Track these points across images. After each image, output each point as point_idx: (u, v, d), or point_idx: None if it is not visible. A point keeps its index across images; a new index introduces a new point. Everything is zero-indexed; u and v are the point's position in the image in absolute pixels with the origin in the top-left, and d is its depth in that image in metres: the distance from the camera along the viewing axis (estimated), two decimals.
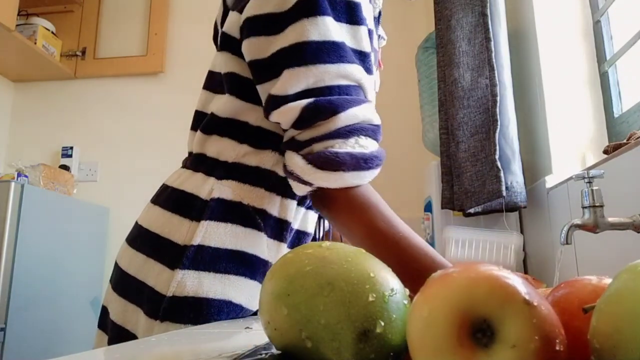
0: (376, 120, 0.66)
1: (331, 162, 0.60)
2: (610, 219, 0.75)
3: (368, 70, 0.68)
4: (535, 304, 0.23)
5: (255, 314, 0.71)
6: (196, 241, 0.66)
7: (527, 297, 0.23)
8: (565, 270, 1.06)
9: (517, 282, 0.24)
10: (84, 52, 2.56)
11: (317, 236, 0.84)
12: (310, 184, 0.63)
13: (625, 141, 0.96)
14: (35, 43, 2.32)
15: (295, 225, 0.77)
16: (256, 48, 0.66)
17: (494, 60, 1.39)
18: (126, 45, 2.55)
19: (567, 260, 1.07)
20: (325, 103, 0.62)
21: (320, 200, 0.67)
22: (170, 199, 0.72)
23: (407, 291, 0.32)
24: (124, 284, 0.70)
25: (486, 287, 0.24)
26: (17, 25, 2.12)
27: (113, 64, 2.53)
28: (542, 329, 0.23)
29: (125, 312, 0.68)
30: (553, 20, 1.41)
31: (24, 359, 1.70)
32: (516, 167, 1.36)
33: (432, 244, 1.60)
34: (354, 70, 0.64)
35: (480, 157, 1.36)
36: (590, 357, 0.24)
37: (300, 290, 0.30)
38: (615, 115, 1.28)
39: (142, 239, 0.71)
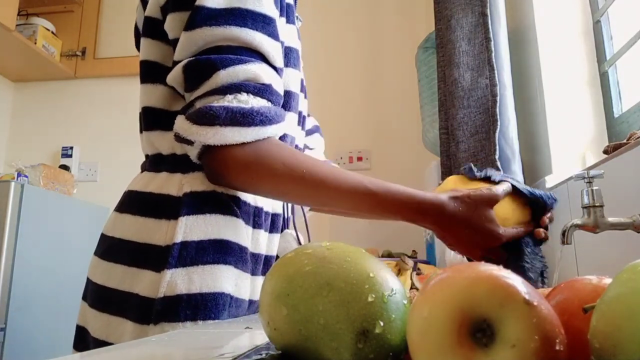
0: (267, 79, 0.65)
1: (206, 115, 0.60)
2: (610, 219, 0.75)
3: (273, 35, 0.68)
4: (535, 303, 0.23)
5: (252, 308, 0.71)
6: (178, 239, 0.64)
7: (527, 297, 0.23)
8: (565, 270, 1.06)
9: (517, 282, 0.24)
10: (84, 52, 2.56)
11: (286, 215, 0.81)
12: (191, 142, 0.62)
13: (625, 141, 0.96)
14: (35, 43, 2.32)
15: (270, 209, 0.76)
16: (178, 25, 0.67)
17: (494, 60, 1.39)
18: (126, 45, 2.55)
19: (567, 260, 1.07)
20: (204, 60, 0.62)
21: (211, 167, 0.65)
22: (139, 204, 0.69)
23: (407, 292, 0.32)
24: (104, 299, 0.67)
25: (486, 287, 0.24)
26: (17, 25, 2.12)
27: (113, 64, 2.53)
28: (542, 329, 0.22)
29: (108, 326, 0.65)
30: (553, 20, 1.41)
31: (24, 359, 1.70)
32: (516, 167, 1.36)
33: (432, 244, 1.59)
34: (244, 33, 0.64)
35: (480, 157, 1.36)
36: (590, 357, 0.24)
37: (299, 290, 0.30)
38: (615, 115, 1.27)
39: (117, 250, 0.68)
